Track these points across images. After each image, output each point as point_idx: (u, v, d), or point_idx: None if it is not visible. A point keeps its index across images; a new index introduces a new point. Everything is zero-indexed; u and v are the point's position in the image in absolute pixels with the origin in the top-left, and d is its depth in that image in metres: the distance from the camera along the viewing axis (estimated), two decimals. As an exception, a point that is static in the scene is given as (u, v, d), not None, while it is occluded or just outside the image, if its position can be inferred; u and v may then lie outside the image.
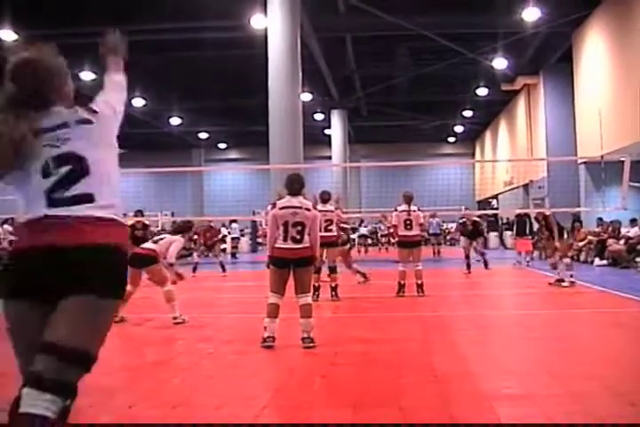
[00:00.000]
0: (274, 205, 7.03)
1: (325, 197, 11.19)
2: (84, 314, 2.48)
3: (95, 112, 2.81)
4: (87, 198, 2.57)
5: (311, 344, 6.57)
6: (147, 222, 15.98)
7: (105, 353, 6.75)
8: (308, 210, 6.86)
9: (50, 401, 2.36)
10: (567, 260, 12.65)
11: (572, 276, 12.30)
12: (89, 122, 2.73)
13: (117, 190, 2.75)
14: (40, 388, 2.40)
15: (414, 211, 11.36)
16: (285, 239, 6.76)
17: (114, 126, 2.93)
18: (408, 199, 11.40)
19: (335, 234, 11.18)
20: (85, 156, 2.63)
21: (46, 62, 2.93)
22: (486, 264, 16.44)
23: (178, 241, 8.81)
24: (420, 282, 11.15)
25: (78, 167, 2.60)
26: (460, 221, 17.70)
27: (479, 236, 16.93)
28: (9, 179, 2.61)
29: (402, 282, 11.18)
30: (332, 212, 11.07)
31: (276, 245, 6.81)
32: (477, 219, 17.27)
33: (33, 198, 2.57)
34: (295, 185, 7.01)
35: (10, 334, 2.56)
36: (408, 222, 11.22)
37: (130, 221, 15.50)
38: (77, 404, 4.69)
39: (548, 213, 13.88)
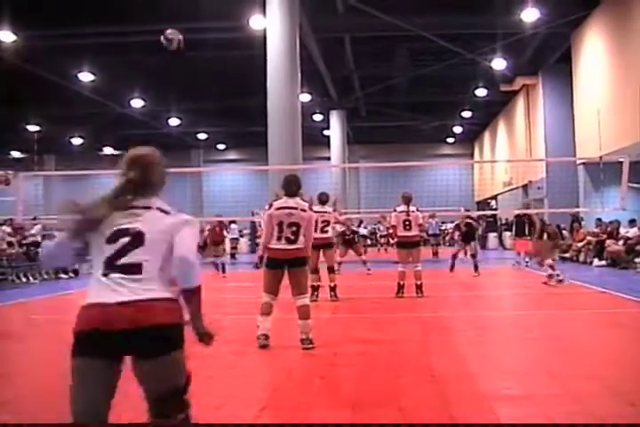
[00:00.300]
0: (270, 206, 7.02)
1: (323, 199, 11.18)
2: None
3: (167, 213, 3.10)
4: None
5: (310, 346, 6.56)
6: None
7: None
8: (304, 211, 6.86)
9: None
10: (548, 260, 13.06)
11: (558, 275, 12.62)
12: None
13: None
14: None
15: (413, 211, 11.35)
16: (279, 239, 6.76)
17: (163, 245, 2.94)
18: (407, 200, 11.39)
19: (331, 235, 11.17)
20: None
21: (154, 158, 3.30)
22: (476, 268, 15.99)
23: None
24: (419, 283, 11.15)
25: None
26: (456, 222, 17.53)
27: (472, 240, 16.69)
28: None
29: (401, 283, 11.17)
30: (329, 213, 11.06)
31: (270, 246, 6.82)
32: (471, 221, 17.12)
33: None
34: (292, 186, 7.02)
35: None
36: (407, 223, 11.21)
37: None
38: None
39: (530, 213, 14.14)
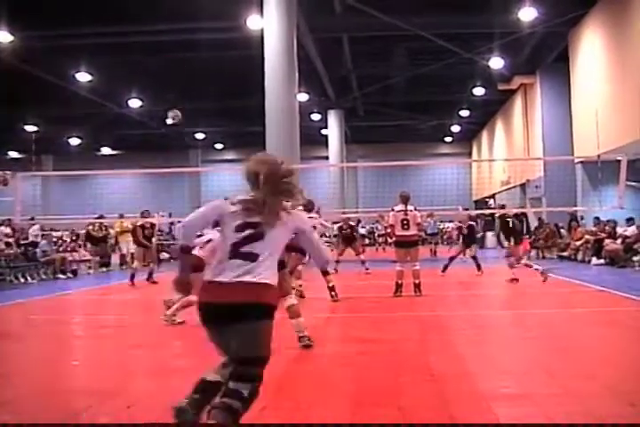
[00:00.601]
0: None
1: (309, 207, 11.14)
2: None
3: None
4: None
5: (309, 342, 6.58)
6: (154, 222, 16.14)
7: (102, 355, 6.76)
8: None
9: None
10: (523, 261, 13.80)
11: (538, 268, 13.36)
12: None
13: None
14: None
15: (411, 211, 11.36)
16: None
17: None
18: (405, 199, 11.39)
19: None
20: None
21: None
22: (479, 267, 16.02)
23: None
24: (417, 282, 11.15)
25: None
26: (456, 225, 17.24)
27: (473, 242, 16.59)
28: None
29: (399, 282, 11.17)
30: (315, 219, 11.06)
31: None
32: (473, 223, 17.14)
33: None
34: None
35: None
36: (405, 222, 11.21)
37: (139, 222, 15.70)
38: (76, 405, 4.70)
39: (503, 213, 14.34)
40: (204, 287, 3.55)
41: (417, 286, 11.13)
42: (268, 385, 5.17)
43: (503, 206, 15.45)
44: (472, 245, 16.48)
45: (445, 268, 15.82)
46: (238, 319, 3.43)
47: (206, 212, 3.70)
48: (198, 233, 8.55)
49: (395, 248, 11.69)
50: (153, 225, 15.94)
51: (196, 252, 8.78)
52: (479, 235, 19.39)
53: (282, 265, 7.14)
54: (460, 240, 16.71)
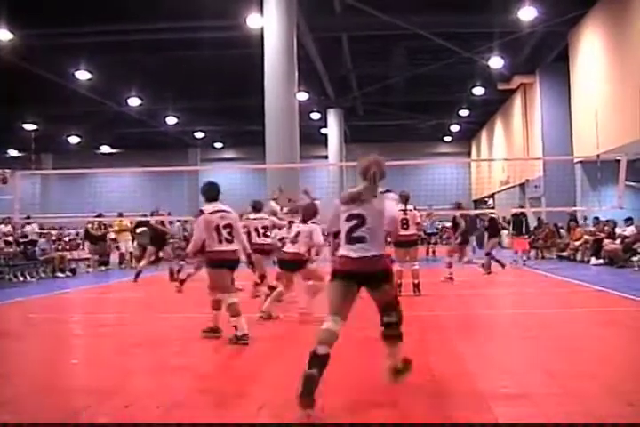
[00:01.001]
0: (201, 212, 7.29)
1: (258, 207, 11.13)
2: None
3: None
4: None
5: (245, 342, 6.77)
6: (163, 221, 16.31)
7: (101, 355, 6.75)
8: (230, 212, 7.35)
9: None
10: (465, 258, 14.28)
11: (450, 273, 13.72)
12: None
13: None
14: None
15: (410, 210, 11.36)
16: (220, 242, 7.13)
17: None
18: (404, 199, 11.36)
19: (271, 242, 11.13)
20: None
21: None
22: (501, 264, 15.73)
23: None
24: (416, 282, 11.16)
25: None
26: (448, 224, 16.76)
27: (495, 235, 16.37)
28: None
29: (399, 281, 11.17)
30: (266, 218, 11.06)
31: (215, 249, 7.13)
32: (495, 216, 17.19)
33: None
34: (213, 192, 7.51)
35: None
36: (404, 222, 11.20)
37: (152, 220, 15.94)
38: (75, 404, 4.70)
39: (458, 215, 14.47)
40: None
41: (416, 286, 11.13)
42: (266, 385, 5.19)
43: (459, 205, 15.20)
44: (492, 239, 16.29)
45: (489, 266, 15.52)
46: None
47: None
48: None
49: (394, 248, 11.68)
50: (163, 223, 16.09)
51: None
52: (479, 235, 19.34)
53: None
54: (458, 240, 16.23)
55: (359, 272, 4.72)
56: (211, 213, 7.18)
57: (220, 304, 7.25)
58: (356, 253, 4.68)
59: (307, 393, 4.20)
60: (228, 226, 7.20)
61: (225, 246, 7.13)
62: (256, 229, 10.73)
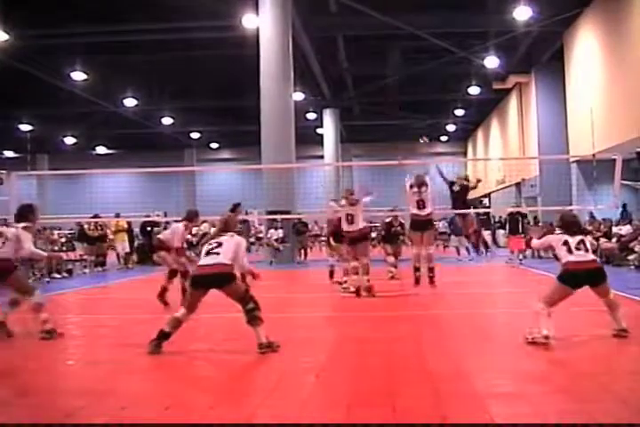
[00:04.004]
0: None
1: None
2: None
3: None
4: None
5: (46, 336, 7.18)
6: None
7: (98, 355, 6.73)
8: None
9: None
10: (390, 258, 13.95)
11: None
12: None
13: None
14: None
15: (424, 191, 11.24)
16: None
17: None
18: (420, 181, 11.28)
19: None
20: None
21: None
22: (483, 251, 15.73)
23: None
24: (431, 266, 11.16)
25: None
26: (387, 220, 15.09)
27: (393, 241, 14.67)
28: None
29: (417, 265, 11.18)
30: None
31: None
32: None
33: None
34: None
35: None
36: (421, 203, 11.15)
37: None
38: (70, 406, 4.68)
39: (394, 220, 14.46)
40: None
41: (431, 271, 11.22)
42: (262, 385, 5.18)
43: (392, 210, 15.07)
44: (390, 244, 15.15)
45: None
46: None
47: None
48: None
49: (409, 231, 11.68)
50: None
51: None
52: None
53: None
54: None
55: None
56: None
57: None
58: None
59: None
60: None
61: None
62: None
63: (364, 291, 10.64)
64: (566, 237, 6.62)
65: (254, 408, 4.41)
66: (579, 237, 6.62)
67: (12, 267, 7.74)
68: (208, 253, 6.37)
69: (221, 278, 6.28)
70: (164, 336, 6.21)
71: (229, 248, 6.36)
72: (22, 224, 7.98)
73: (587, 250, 6.57)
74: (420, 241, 11.25)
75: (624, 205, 19.95)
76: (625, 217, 19.34)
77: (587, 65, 21.44)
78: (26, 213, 8.22)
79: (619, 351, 6.24)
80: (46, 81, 26.09)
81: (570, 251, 6.51)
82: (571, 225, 6.75)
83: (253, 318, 6.25)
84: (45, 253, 8.54)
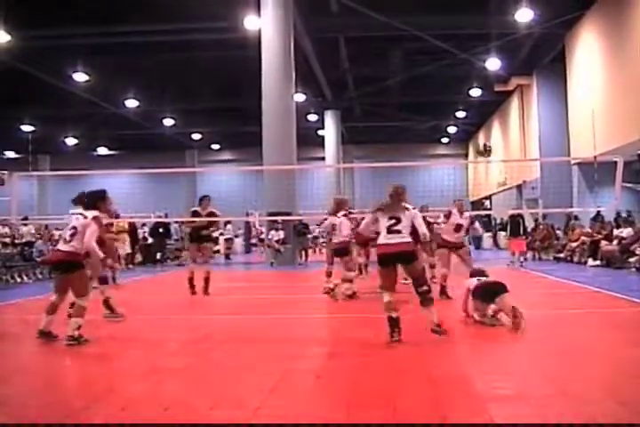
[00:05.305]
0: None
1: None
2: None
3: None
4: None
5: (73, 342, 6.87)
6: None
7: (97, 356, 6.73)
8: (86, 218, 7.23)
9: None
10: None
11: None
12: None
13: None
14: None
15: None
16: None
17: None
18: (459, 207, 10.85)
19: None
20: None
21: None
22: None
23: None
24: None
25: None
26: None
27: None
28: None
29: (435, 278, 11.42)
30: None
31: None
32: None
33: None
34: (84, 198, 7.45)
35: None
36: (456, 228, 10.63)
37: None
38: (70, 406, 4.68)
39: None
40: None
41: (432, 267, 11.83)
42: (262, 386, 5.18)
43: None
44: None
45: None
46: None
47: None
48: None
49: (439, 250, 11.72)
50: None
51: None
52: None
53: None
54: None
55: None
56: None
57: None
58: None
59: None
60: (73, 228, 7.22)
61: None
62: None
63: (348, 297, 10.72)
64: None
65: (254, 409, 4.41)
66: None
67: (80, 263, 7.22)
68: (390, 231, 6.88)
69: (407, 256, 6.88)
70: (395, 324, 6.78)
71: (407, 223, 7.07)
72: (92, 213, 7.24)
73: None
74: (448, 261, 10.76)
75: (618, 213, 19.93)
76: (617, 222, 19.30)
77: (588, 67, 21.45)
78: (95, 201, 7.43)
79: (621, 353, 6.23)
80: (48, 82, 26.10)
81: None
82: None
83: (427, 299, 6.89)
84: (102, 255, 7.50)
